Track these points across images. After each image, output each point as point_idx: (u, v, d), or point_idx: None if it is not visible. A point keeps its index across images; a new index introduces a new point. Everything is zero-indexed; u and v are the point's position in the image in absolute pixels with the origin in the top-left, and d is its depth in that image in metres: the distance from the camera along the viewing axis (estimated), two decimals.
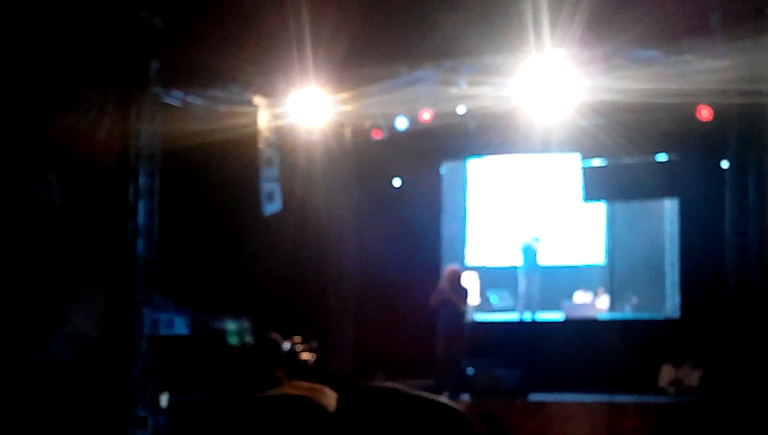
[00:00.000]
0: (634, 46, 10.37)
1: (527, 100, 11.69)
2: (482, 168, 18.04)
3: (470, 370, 13.01)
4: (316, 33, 10.69)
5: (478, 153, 16.19)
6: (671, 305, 15.22)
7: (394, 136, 13.79)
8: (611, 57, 10.58)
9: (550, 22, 9.88)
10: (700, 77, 10.43)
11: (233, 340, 13.00)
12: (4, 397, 10.29)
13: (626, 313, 16.57)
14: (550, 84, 11.01)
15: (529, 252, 15.99)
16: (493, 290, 17.00)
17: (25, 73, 10.86)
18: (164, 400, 11.32)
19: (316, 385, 4.92)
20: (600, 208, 17.33)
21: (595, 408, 12.06)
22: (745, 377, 10.09)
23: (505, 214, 18.01)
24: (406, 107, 12.83)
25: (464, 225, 18.04)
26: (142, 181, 11.43)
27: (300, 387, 4.93)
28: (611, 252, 17.67)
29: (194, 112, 12.08)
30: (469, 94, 11.79)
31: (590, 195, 14.63)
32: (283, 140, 12.84)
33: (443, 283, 13.41)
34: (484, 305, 16.64)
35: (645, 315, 15.99)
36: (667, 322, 14.74)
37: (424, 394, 2.65)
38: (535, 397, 12.76)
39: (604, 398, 12.17)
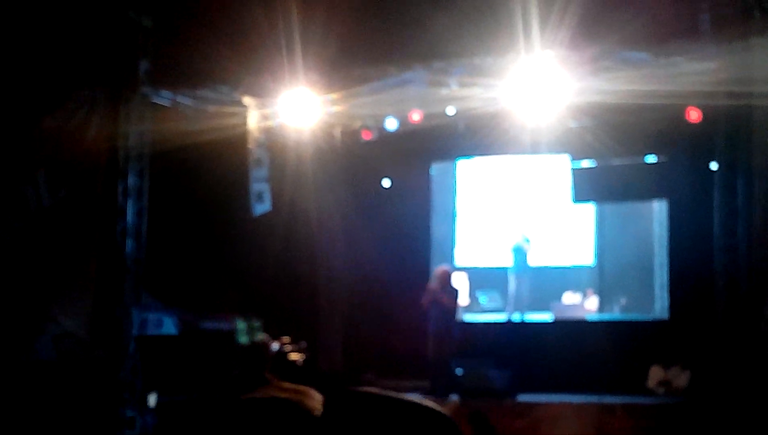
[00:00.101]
0: (623, 48, 10.38)
1: (517, 102, 11.69)
2: (472, 169, 18.04)
3: (459, 371, 13.02)
4: (305, 33, 10.68)
5: (468, 154, 16.21)
6: (660, 306, 15.25)
7: (384, 136, 13.79)
8: (600, 59, 10.59)
9: (539, 24, 9.88)
10: (689, 79, 10.45)
11: (243, 339, 13.00)
12: None
13: (615, 314, 16.59)
14: (540, 85, 11.01)
15: (520, 253, 16.00)
16: (482, 291, 17.01)
17: (13, 73, 10.81)
18: (152, 400, 11.29)
19: (302, 387, 4.91)
20: (589, 209, 17.36)
21: (584, 409, 12.07)
22: (733, 378, 10.10)
23: (494, 215, 18.02)
24: (396, 108, 12.83)
25: (454, 226, 18.04)
26: (131, 181, 11.40)
27: (286, 389, 4.92)
28: (600, 253, 17.69)
29: (184, 113, 12.06)
30: (459, 96, 11.79)
31: (579, 196, 14.65)
32: (272, 141, 12.82)
33: (433, 284, 13.42)
34: (474, 306, 16.65)
35: (634, 316, 16.02)
36: (656, 323, 14.77)
37: (409, 398, 2.66)
38: (524, 397, 12.77)
39: (593, 399, 12.18)
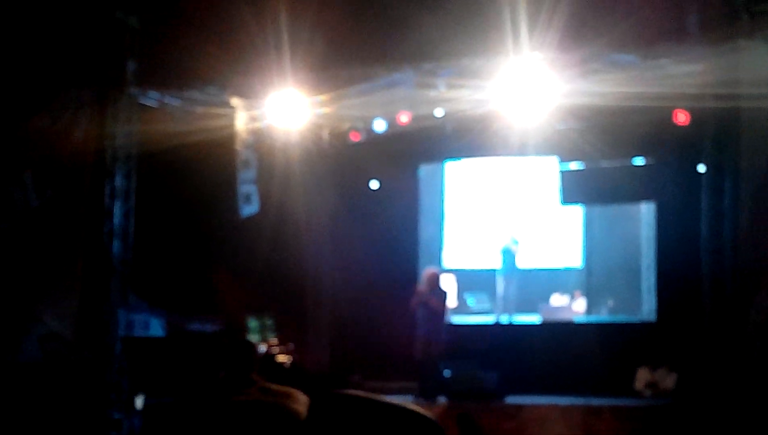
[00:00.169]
0: (612, 50, 10.39)
1: (505, 103, 11.70)
2: (460, 171, 18.04)
3: (447, 373, 13.02)
4: (293, 34, 10.66)
5: (456, 156, 16.22)
6: (647, 308, 15.28)
7: (372, 138, 13.79)
8: (588, 61, 10.60)
9: (527, 25, 9.88)
10: (676, 81, 10.47)
11: (255, 338, 12.99)
12: None
13: (603, 316, 16.61)
14: (528, 87, 11.02)
15: (508, 255, 16.02)
16: (470, 293, 17.02)
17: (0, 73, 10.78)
18: (139, 402, 11.25)
19: (288, 390, 4.90)
20: (577, 211, 17.38)
21: (571, 411, 12.09)
22: (720, 380, 10.12)
23: (482, 217, 18.02)
24: (384, 109, 12.82)
25: (442, 227, 18.04)
26: (118, 181, 11.38)
27: (272, 392, 4.91)
28: (588, 255, 17.71)
29: (171, 113, 12.03)
30: (447, 97, 11.79)
31: (567, 198, 14.67)
32: (260, 142, 12.81)
33: (422, 286, 13.42)
34: (462, 308, 16.65)
35: (621, 318, 16.04)
36: (644, 325, 14.79)
37: (394, 401, 2.65)
38: (511, 399, 12.77)
39: (580, 401, 12.20)
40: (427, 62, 11.02)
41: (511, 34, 10.03)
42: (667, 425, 11.49)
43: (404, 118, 12.97)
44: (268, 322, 13.43)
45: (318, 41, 10.74)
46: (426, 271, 13.71)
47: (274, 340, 12.77)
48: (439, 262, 16.91)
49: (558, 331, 14.46)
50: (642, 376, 13.17)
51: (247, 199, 12.55)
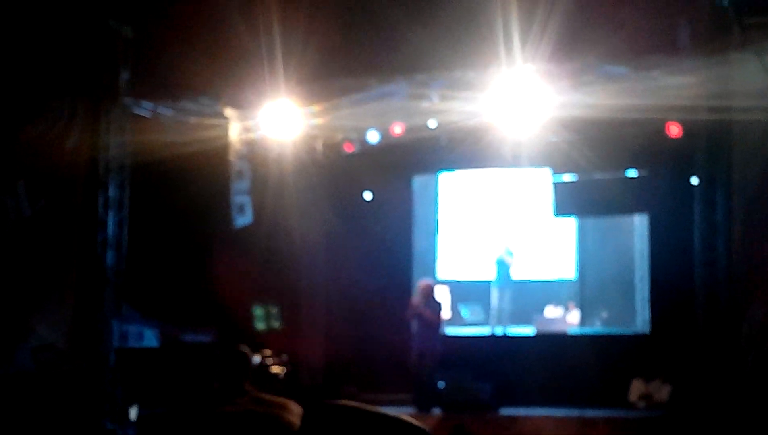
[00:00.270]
0: (604, 62, 10.43)
1: (498, 115, 11.71)
2: (454, 182, 18.05)
3: (441, 384, 13.01)
4: (287, 45, 10.68)
5: (450, 167, 16.23)
6: (641, 320, 15.28)
7: (366, 149, 13.78)
8: (581, 73, 10.63)
9: (520, 37, 9.91)
10: (669, 93, 10.50)
11: (260, 326, 12.97)
12: None
13: (597, 327, 16.62)
14: (521, 99, 11.03)
15: (503, 266, 16.03)
16: (464, 304, 17.01)
17: None
18: (133, 413, 11.23)
19: (281, 400, 4.90)
20: (571, 223, 17.39)
21: (565, 422, 12.08)
22: (714, 392, 10.13)
23: (476, 228, 18.03)
24: (378, 121, 12.82)
25: (436, 239, 18.04)
26: (111, 192, 11.38)
27: (264, 402, 4.90)
28: (582, 267, 17.72)
29: (164, 124, 12.02)
30: (441, 109, 11.81)
31: (561, 210, 14.68)
32: (254, 153, 12.81)
33: (416, 298, 13.43)
34: (456, 319, 16.64)
35: (615, 330, 16.05)
36: (637, 337, 14.79)
37: (388, 412, 2.64)
38: (505, 411, 12.77)
39: (574, 413, 12.20)
40: (420, 73, 11.04)
41: (504, 45, 10.05)
42: None
43: (398, 129, 12.98)
44: (273, 309, 13.45)
45: (311, 52, 10.75)
46: (420, 283, 13.72)
47: (268, 351, 12.75)
48: (433, 273, 16.89)
49: (552, 343, 14.45)
50: (636, 388, 13.17)
51: (241, 209, 12.55)
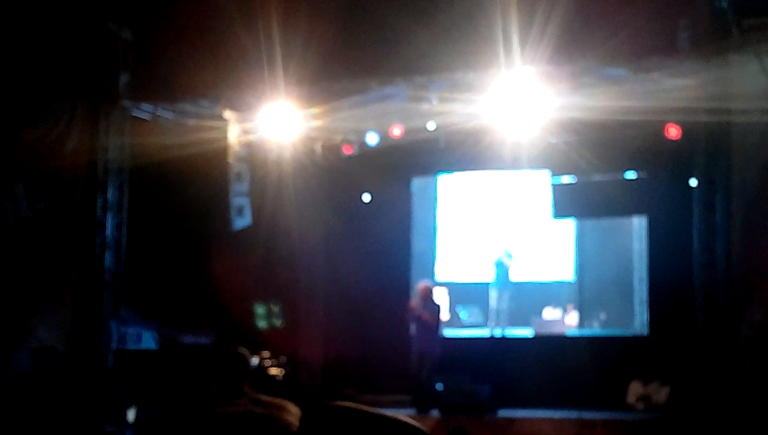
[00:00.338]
0: (603, 65, 10.42)
1: (497, 117, 11.71)
2: (452, 184, 18.06)
3: (440, 386, 13.01)
4: (286, 47, 10.67)
5: (449, 169, 16.23)
6: (639, 322, 15.30)
7: (365, 151, 13.78)
8: (580, 75, 10.62)
9: (520, 39, 9.90)
10: (668, 95, 10.50)
11: (261, 324, 12.97)
12: None
13: (595, 329, 16.64)
14: (520, 101, 11.03)
15: (502, 268, 16.03)
16: (462, 306, 17.02)
17: None
18: (131, 414, 11.23)
19: (279, 401, 4.90)
20: (569, 224, 17.40)
21: (563, 424, 12.08)
22: (712, 394, 10.13)
23: (474, 230, 18.03)
24: (377, 123, 12.83)
25: (434, 241, 18.05)
26: (110, 194, 11.38)
27: (263, 403, 4.90)
28: (580, 269, 17.74)
29: (164, 126, 12.03)
30: (440, 111, 11.80)
31: (560, 212, 14.68)
32: (253, 155, 12.80)
33: (415, 301, 13.44)
34: (454, 321, 16.65)
35: (614, 332, 16.06)
36: (636, 339, 14.81)
37: (386, 413, 2.64)
38: (504, 413, 12.77)
39: (572, 414, 12.19)
40: (420, 75, 11.03)
41: (503, 48, 10.05)
42: None
43: (397, 131, 12.98)
44: (275, 307, 13.46)
45: (311, 54, 10.74)
46: (419, 285, 13.73)
47: (266, 353, 12.75)
48: (431, 275, 16.91)
49: (550, 345, 14.46)
50: (634, 390, 13.17)
51: (240, 211, 12.54)
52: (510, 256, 16.07)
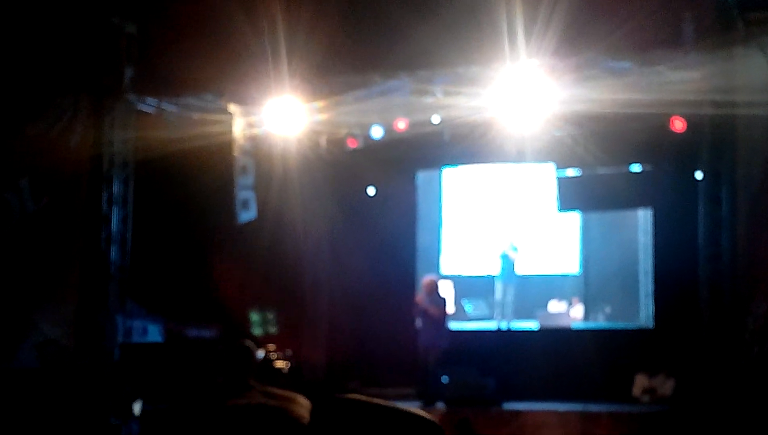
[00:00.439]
0: (608, 57, 10.41)
1: (502, 110, 11.70)
2: (457, 177, 18.05)
3: (445, 379, 13.01)
4: (290, 41, 10.67)
5: (453, 162, 16.23)
6: (645, 315, 15.28)
7: (370, 145, 13.77)
8: (585, 68, 10.62)
9: (524, 32, 9.90)
10: (673, 88, 10.49)
11: (257, 331, 12.98)
12: None
13: (600, 322, 16.60)
14: (525, 94, 11.02)
15: (507, 261, 16.03)
16: (467, 299, 17.01)
17: None
18: (137, 408, 11.24)
19: (290, 394, 4.90)
20: (574, 217, 17.38)
21: (568, 417, 12.08)
22: (718, 386, 10.13)
23: (479, 223, 18.02)
24: (382, 116, 12.83)
25: (439, 234, 18.04)
26: (115, 188, 11.40)
27: (274, 395, 4.90)
28: (586, 262, 17.70)
29: (168, 120, 12.03)
30: (444, 104, 11.80)
31: (565, 205, 14.68)
32: (258, 148, 12.79)
33: (421, 295, 13.44)
34: (460, 314, 16.64)
35: (619, 324, 16.03)
36: (641, 332, 14.79)
37: (398, 405, 2.65)
38: (509, 405, 12.76)
39: (578, 407, 12.19)
40: (424, 69, 11.03)
41: (508, 41, 10.04)
42: (665, 431, 11.49)
43: (401, 124, 12.98)
44: (270, 315, 13.47)
45: (315, 48, 10.74)
46: (424, 279, 13.73)
47: (272, 346, 12.77)
48: (436, 268, 16.90)
49: (556, 338, 14.45)
50: (640, 383, 13.17)
51: (245, 205, 12.55)
52: (515, 250, 16.06)
